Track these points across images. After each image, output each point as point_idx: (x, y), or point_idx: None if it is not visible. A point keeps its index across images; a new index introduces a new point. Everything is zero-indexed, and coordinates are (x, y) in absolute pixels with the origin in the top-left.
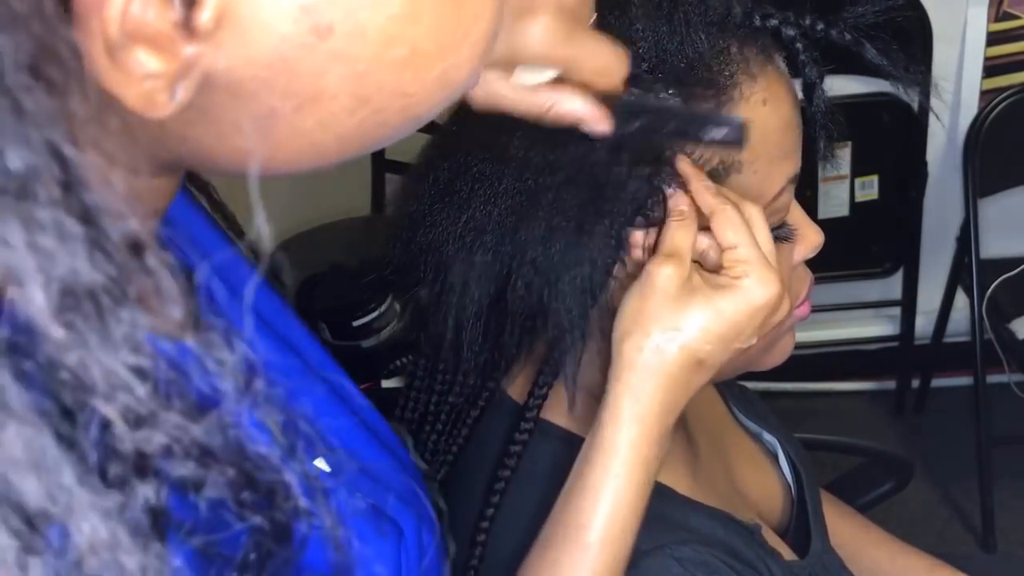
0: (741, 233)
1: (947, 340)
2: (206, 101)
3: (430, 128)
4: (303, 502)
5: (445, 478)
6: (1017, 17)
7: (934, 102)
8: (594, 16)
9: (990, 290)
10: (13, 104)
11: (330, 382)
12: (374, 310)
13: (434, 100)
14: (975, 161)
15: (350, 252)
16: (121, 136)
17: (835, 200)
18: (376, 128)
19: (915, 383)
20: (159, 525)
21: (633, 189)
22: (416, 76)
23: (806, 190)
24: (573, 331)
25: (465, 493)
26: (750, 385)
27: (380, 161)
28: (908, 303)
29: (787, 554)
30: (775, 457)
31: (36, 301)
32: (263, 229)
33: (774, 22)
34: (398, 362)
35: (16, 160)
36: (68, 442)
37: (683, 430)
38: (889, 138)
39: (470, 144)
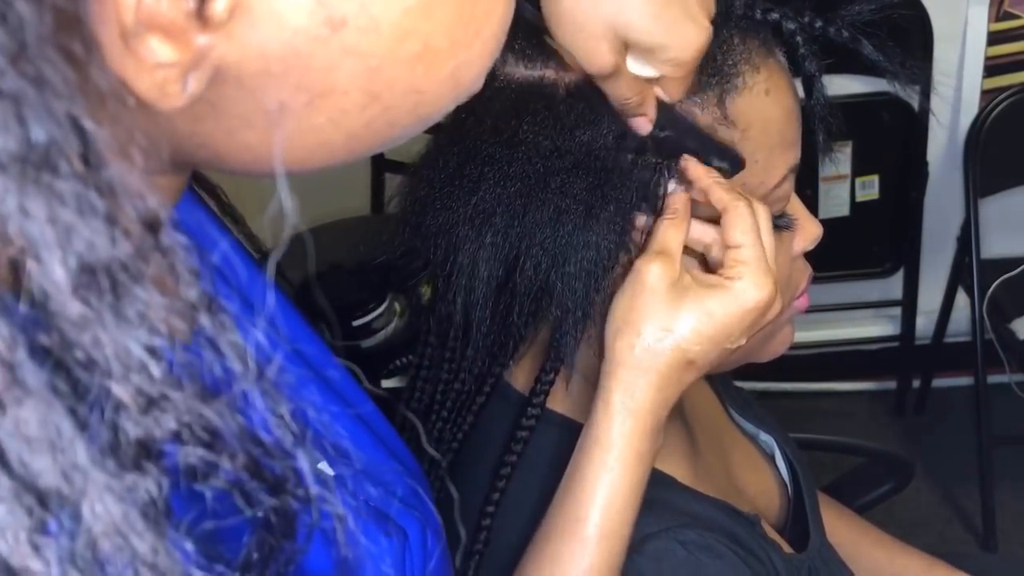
0: (749, 233)
1: (948, 340)
2: (217, 94)
3: (433, 129)
4: (314, 489)
5: (450, 465)
6: (1017, 17)
7: (935, 102)
8: None
9: (990, 290)
10: (36, 75)
11: (331, 382)
12: (374, 310)
13: (444, 99)
14: (975, 161)
15: (350, 252)
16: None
17: (836, 200)
18: (385, 127)
19: (915, 383)
20: (170, 510)
21: (638, 177)
22: (428, 72)
23: (806, 189)
24: (575, 312)
25: (469, 480)
26: (750, 385)
27: (380, 161)
28: (908, 303)
29: (785, 549)
30: (772, 457)
31: (55, 275)
32: (275, 223)
33: (775, 16)
34: (398, 362)
35: (39, 131)
36: (82, 422)
37: (682, 424)
38: (889, 138)
39: (480, 128)
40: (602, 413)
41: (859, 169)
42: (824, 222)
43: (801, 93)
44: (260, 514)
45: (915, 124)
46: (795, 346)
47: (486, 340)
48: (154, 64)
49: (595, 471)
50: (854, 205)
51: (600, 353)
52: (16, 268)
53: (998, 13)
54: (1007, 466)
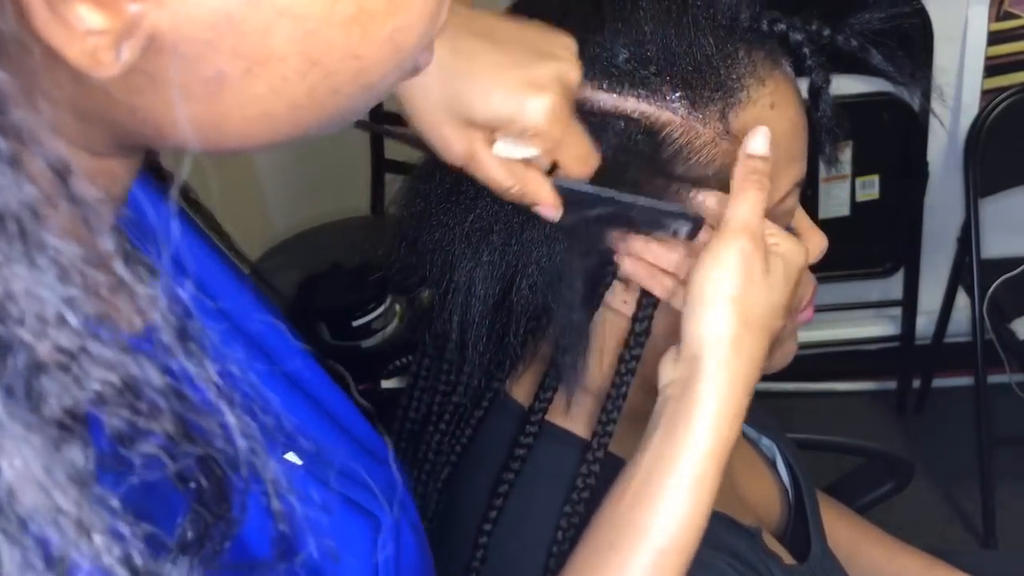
0: (759, 206)
1: (948, 340)
2: (154, 64)
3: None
4: (242, 443)
5: (448, 478)
6: (1017, 17)
7: (935, 102)
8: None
9: (991, 290)
10: None
11: (296, 380)
12: (374, 310)
13: (386, 65)
14: (976, 161)
15: (350, 252)
16: (68, 109)
17: (836, 200)
18: (329, 96)
19: (916, 383)
20: (95, 470)
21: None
22: (365, 36)
23: (807, 189)
24: (577, 332)
25: (468, 494)
26: None
27: (380, 161)
28: (909, 303)
29: (786, 559)
30: (772, 462)
31: None
32: (264, 224)
33: (781, 27)
34: (398, 362)
35: None
36: None
37: None
38: (890, 138)
39: None
40: (695, 416)
41: (859, 169)
42: (824, 222)
43: (805, 95)
44: (192, 485)
45: (915, 124)
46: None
47: (482, 358)
48: (84, 31)
49: (685, 480)
50: (854, 205)
51: (605, 366)
52: None
53: (998, 13)
54: (1007, 466)
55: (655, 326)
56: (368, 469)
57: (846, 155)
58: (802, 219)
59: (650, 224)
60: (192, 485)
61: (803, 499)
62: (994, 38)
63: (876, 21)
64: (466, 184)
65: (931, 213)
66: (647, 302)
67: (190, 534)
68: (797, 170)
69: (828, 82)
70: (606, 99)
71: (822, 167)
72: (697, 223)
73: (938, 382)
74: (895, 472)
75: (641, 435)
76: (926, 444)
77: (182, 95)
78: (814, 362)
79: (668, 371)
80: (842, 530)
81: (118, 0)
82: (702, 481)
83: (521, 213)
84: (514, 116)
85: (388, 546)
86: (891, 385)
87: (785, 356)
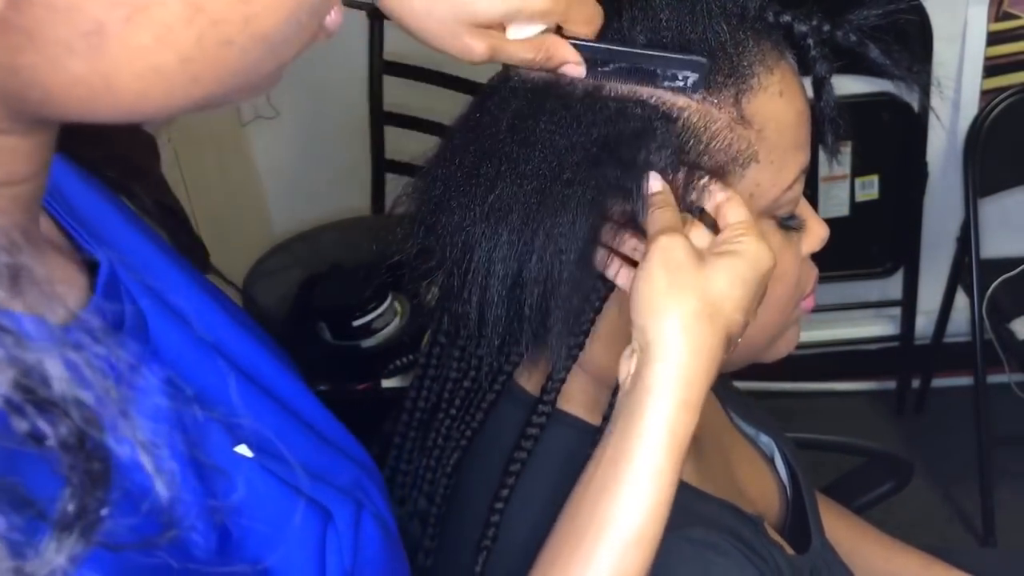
0: (743, 208)
1: (947, 340)
2: (29, 18)
3: (440, 132)
4: (84, 396)
5: (458, 463)
6: (1017, 17)
7: (934, 101)
8: None
9: (990, 290)
10: None
11: (254, 379)
12: (374, 310)
13: (279, 14)
14: (975, 161)
15: (350, 252)
16: None
17: (835, 200)
18: (222, 48)
19: (915, 383)
20: None
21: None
22: None
23: (806, 189)
24: (582, 305)
25: (478, 477)
26: (750, 385)
27: (380, 161)
28: (908, 303)
29: (787, 550)
30: (771, 459)
31: None
32: (261, 228)
33: (787, 19)
34: (398, 362)
35: None
36: None
37: None
38: (889, 138)
39: (497, 128)
40: (646, 406)
41: (859, 169)
42: (824, 221)
43: (810, 93)
44: (52, 444)
45: (915, 124)
46: (795, 346)
47: (499, 338)
48: None
49: (643, 470)
50: (854, 205)
51: (614, 349)
52: None
53: (998, 13)
54: (1007, 466)
55: None
56: (331, 463)
57: (846, 155)
58: (804, 208)
59: (661, 75)
60: (52, 444)
61: (802, 495)
62: (993, 38)
63: (874, 17)
64: (486, 167)
65: (931, 213)
66: None
67: (70, 507)
68: (803, 157)
69: (831, 73)
70: (624, 86)
71: (822, 167)
72: (704, 70)
73: (937, 382)
74: (895, 472)
75: None
76: (926, 444)
77: (63, 51)
78: (814, 362)
79: (624, 366)
80: (840, 529)
81: None
82: (661, 473)
83: (539, 193)
84: (520, 8)
85: (344, 538)
86: (891, 385)
87: (788, 344)
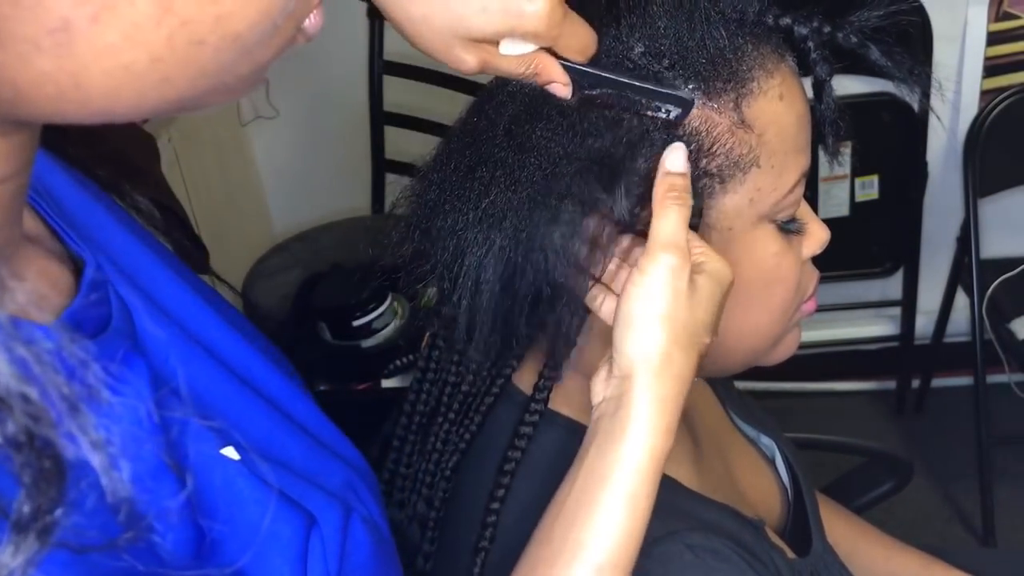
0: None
1: (947, 340)
2: None
3: (440, 132)
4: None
5: (457, 466)
6: (1017, 17)
7: (934, 102)
8: None
9: (990, 290)
10: None
11: (245, 380)
12: (374, 310)
13: (249, 15)
14: (975, 161)
15: (350, 252)
16: None
17: (835, 200)
18: (193, 48)
19: (915, 383)
20: None
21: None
22: None
23: (806, 191)
24: (571, 320)
25: (476, 479)
26: (750, 385)
27: (380, 161)
28: (908, 303)
29: (788, 553)
30: (772, 460)
31: None
32: (261, 228)
33: (787, 21)
34: (398, 362)
35: None
36: None
37: (687, 429)
38: (889, 138)
39: (493, 132)
40: (626, 434)
41: (859, 169)
42: (824, 222)
43: (809, 94)
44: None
45: (915, 124)
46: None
47: (491, 343)
48: None
49: (618, 495)
50: (854, 205)
51: (604, 351)
52: None
53: (998, 13)
54: (1006, 465)
55: None
56: (321, 465)
57: (845, 155)
58: (805, 211)
59: (645, 105)
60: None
61: (802, 496)
62: (993, 38)
63: (875, 19)
64: (481, 171)
65: (931, 213)
66: None
67: (25, 508)
68: (804, 161)
69: (831, 75)
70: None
71: (822, 167)
72: (687, 107)
73: (937, 382)
74: (894, 471)
75: None
76: (925, 444)
77: (31, 48)
78: (814, 362)
79: (600, 389)
80: (840, 529)
81: None
82: (636, 497)
83: (532, 200)
84: (513, 28)
85: (329, 542)
86: (890, 385)
87: (788, 348)
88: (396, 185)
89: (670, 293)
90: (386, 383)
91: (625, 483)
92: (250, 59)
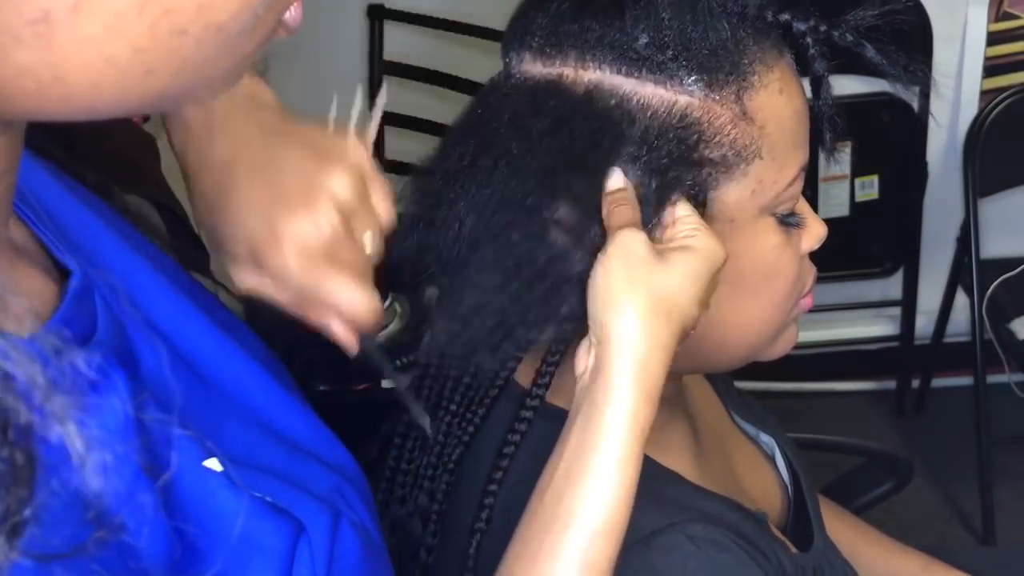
0: (689, 206)
1: (947, 340)
2: None
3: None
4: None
5: (460, 459)
6: (1017, 17)
7: (934, 102)
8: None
9: (990, 290)
10: None
11: (231, 388)
12: None
13: (231, 5)
14: (975, 161)
15: None
16: None
17: (835, 200)
18: (176, 38)
19: (915, 383)
20: None
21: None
22: None
23: (806, 189)
24: (571, 301)
25: (475, 471)
26: (750, 385)
27: (380, 161)
28: (908, 303)
29: (790, 549)
30: (772, 458)
31: None
32: None
33: (785, 17)
34: (398, 362)
35: None
36: None
37: (688, 423)
38: (889, 138)
39: (497, 123)
40: (608, 400)
41: (859, 169)
42: (824, 222)
43: (808, 93)
44: None
45: (915, 124)
46: (795, 346)
47: (494, 336)
48: None
49: (607, 462)
50: (854, 205)
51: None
52: None
53: (998, 13)
54: (1006, 466)
55: None
56: (308, 470)
57: (845, 155)
58: (803, 206)
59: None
60: None
61: (803, 494)
62: (993, 38)
63: (871, 18)
64: (483, 160)
65: (930, 213)
66: None
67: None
68: (803, 155)
69: (829, 71)
70: (625, 84)
71: (822, 167)
72: (423, 429)
73: (937, 382)
74: (894, 471)
75: None
76: (925, 444)
77: (10, 40)
78: (814, 362)
79: (582, 359)
80: (839, 530)
81: None
82: (624, 463)
83: (535, 192)
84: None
85: (318, 548)
86: (890, 385)
87: (787, 342)
88: (396, 185)
89: (632, 260)
90: (386, 383)
91: (610, 450)
92: (232, 51)
